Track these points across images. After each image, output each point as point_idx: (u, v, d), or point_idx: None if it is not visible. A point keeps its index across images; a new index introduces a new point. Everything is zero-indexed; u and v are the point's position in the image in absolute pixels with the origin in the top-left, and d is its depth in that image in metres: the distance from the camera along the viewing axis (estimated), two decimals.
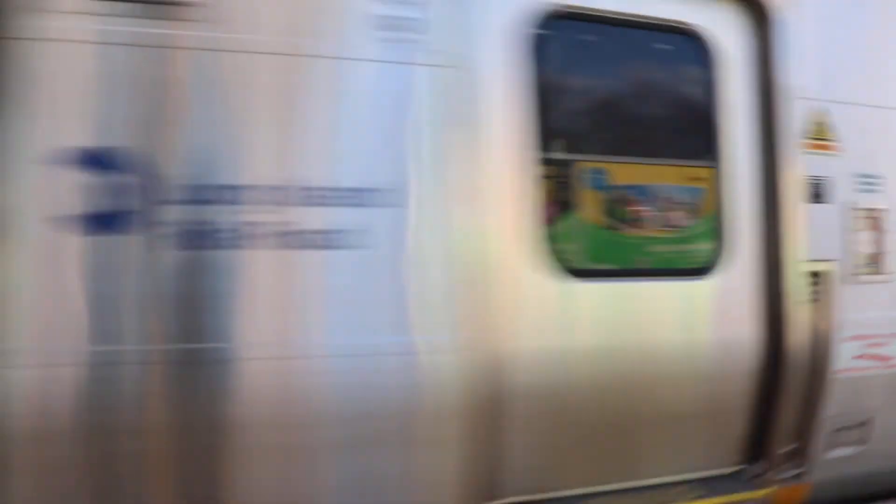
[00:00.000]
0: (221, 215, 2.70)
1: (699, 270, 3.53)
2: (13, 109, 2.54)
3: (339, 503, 2.95)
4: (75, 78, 2.61)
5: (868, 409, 3.85)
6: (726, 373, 3.59)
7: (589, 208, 3.43)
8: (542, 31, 3.25)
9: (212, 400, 2.72)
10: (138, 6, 2.65)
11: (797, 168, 3.61)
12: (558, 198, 3.33)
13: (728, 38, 3.63)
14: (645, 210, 3.51)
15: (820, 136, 3.69)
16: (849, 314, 3.69)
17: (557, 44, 3.31)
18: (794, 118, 3.62)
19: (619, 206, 3.46)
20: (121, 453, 2.65)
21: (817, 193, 3.65)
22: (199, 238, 2.68)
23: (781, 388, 3.65)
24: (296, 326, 2.83)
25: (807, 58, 3.66)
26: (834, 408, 3.72)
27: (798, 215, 3.61)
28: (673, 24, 3.52)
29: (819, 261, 3.64)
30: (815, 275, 3.64)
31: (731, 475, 3.76)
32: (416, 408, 2.98)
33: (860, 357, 3.74)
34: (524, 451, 3.25)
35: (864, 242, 3.76)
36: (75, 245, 2.58)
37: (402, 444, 3.03)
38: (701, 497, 3.59)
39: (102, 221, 2.59)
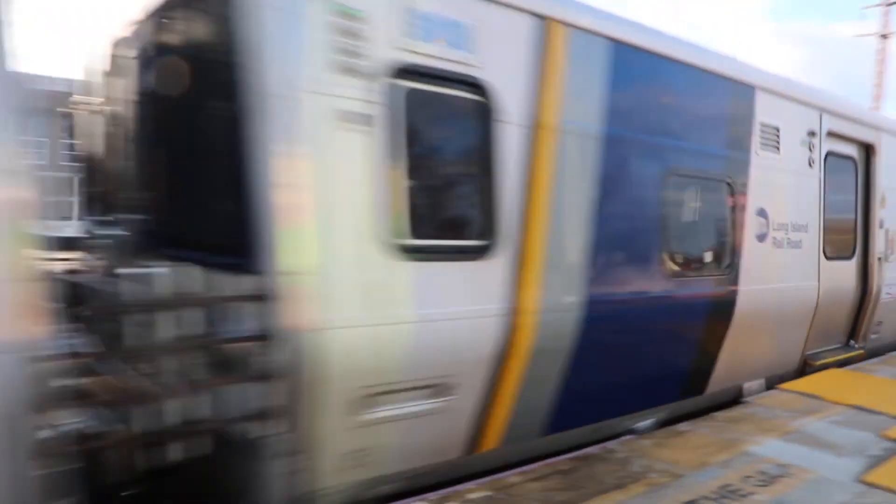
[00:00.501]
0: (783, 235, 7.12)
1: (849, 256, 8.50)
2: None
3: (778, 349, 7.40)
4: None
5: (884, 316, 8.99)
6: (852, 299, 8.51)
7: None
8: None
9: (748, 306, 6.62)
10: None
11: (876, 214, 8.67)
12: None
13: (859, 159, 8.66)
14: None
15: (884, 201, 8.80)
16: (885, 276, 8.82)
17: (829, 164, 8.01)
18: (879, 195, 8.72)
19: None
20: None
21: (880, 224, 8.77)
22: (780, 244, 7.10)
23: (864, 306, 8.61)
24: (783, 276, 7.14)
25: (887, 168, 8.81)
26: (875, 316, 8.75)
27: (875, 234, 8.67)
28: (851, 156, 8.52)
29: (878, 253, 8.70)
30: (878, 259, 8.64)
31: (844, 345, 8.64)
32: (812, 306, 7.60)
33: (887, 294, 8.89)
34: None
35: (890, 244, 9.05)
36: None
37: (801, 325, 7.59)
38: (843, 353, 8.41)
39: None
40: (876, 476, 4.62)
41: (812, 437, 5.36)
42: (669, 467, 4.63)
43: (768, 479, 4.48)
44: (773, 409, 6.06)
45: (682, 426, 5.51)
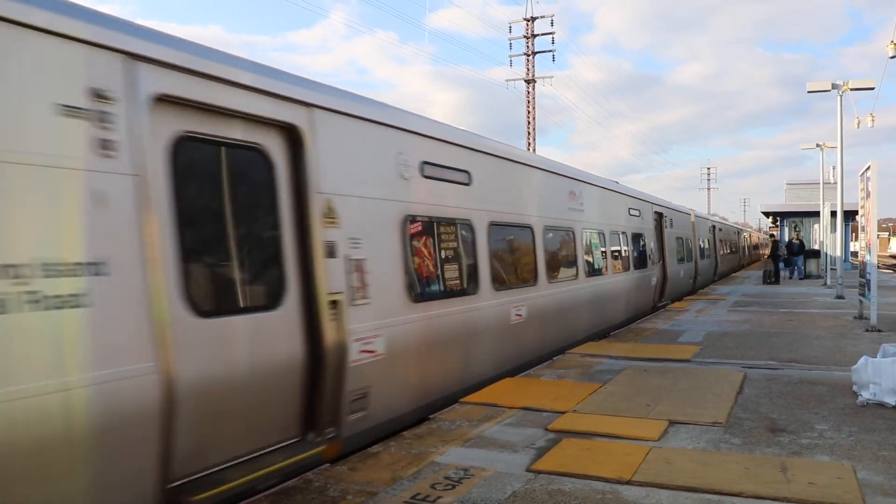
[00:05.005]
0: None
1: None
2: None
3: (646, 298, 17.87)
4: None
5: (671, 286, 20.37)
6: (658, 279, 19.00)
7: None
8: None
9: None
10: None
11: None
12: None
13: (658, 219, 20.16)
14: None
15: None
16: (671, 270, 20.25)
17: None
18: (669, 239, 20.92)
19: None
20: None
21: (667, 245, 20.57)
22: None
23: (665, 281, 19.55)
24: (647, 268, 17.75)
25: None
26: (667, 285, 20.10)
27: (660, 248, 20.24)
28: (655, 219, 19.72)
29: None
30: (655, 263, 19.12)
31: (660, 300, 19.24)
32: (657, 280, 19.03)
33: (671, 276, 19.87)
34: None
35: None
36: None
37: (653, 288, 18.67)
38: (659, 302, 19.08)
39: None
40: (542, 464, 5.20)
41: (489, 440, 5.86)
42: (365, 487, 4.76)
43: (453, 483, 4.81)
44: (455, 422, 6.51)
45: (374, 448, 5.69)
